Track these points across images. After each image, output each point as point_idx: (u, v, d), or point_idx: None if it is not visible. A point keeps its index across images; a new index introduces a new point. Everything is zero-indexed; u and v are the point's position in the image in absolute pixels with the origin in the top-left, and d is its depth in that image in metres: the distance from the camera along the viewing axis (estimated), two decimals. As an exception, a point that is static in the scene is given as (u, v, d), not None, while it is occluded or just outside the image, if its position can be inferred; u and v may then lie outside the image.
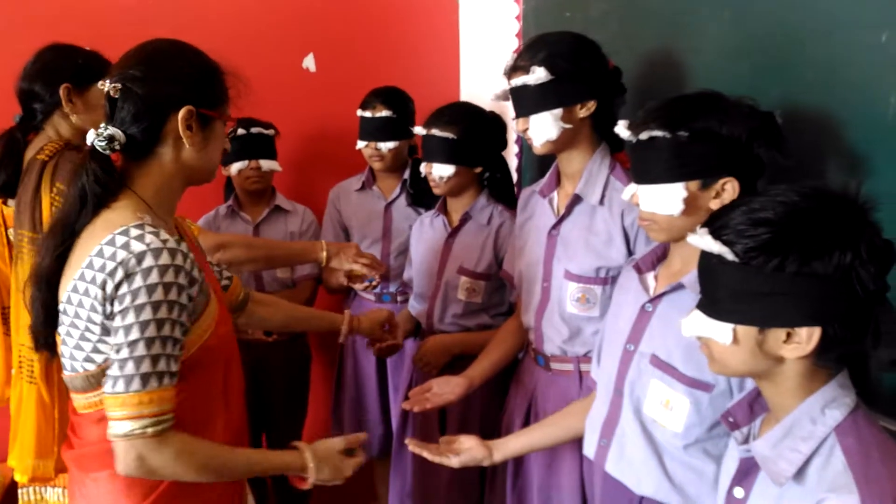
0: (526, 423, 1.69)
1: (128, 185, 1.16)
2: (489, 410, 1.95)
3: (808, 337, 0.89)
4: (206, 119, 1.20)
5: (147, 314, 1.06)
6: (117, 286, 1.06)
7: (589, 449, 1.38)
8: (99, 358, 1.11)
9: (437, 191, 2.00)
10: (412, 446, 1.47)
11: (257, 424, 2.49)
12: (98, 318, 1.08)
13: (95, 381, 1.13)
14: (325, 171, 2.65)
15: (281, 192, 2.49)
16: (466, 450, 1.47)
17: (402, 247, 2.32)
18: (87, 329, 1.09)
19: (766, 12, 1.33)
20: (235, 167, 2.32)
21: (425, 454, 1.46)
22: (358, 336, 2.33)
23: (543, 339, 1.65)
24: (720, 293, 0.94)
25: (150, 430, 1.07)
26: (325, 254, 1.92)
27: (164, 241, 1.08)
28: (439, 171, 1.94)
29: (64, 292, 1.12)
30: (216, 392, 1.24)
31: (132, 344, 1.06)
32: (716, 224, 0.95)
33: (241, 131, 2.30)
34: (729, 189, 1.17)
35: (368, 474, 2.64)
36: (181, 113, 1.16)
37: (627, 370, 1.30)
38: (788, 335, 0.90)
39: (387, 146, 2.26)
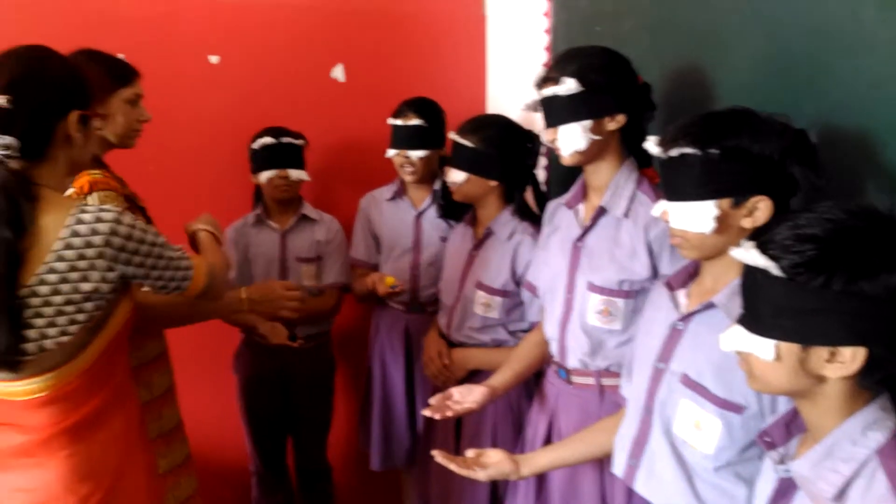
0: (548, 436, 1.69)
1: (38, 180, 1.30)
2: (504, 421, 1.96)
3: (852, 357, 0.89)
4: (85, 119, 1.37)
5: (160, 241, 1.39)
6: (121, 249, 1.30)
7: (618, 467, 1.37)
8: (82, 317, 1.29)
9: (454, 197, 2.04)
10: (440, 458, 1.47)
11: (282, 429, 2.52)
12: (88, 286, 1.28)
13: (73, 349, 1.30)
14: (352, 181, 2.67)
15: (309, 201, 2.51)
16: (494, 464, 1.47)
17: (431, 258, 2.33)
18: (68, 302, 1.26)
19: (800, 28, 1.31)
20: (264, 176, 2.34)
21: (452, 467, 1.46)
22: (387, 345, 2.36)
23: (566, 351, 1.65)
24: (763, 308, 0.94)
25: (210, 269, 1.53)
26: (245, 300, 1.86)
27: (116, 208, 1.35)
28: (452, 176, 1.98)
29: (32, 277, 1.24)
30: None
31: (168, 259, 1.40)
32: (761, 239, 0.95)
33: (270, 141, 2.33)
34: (761, 207, 1.16)
35: (395, 484, 2.65)
36: (71, 117, 1.33)
37: (657, 389, 1.29)
38: (832, 354, 0.90)
39: (417, 154, 2.27)
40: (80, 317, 1.29)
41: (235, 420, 2.54)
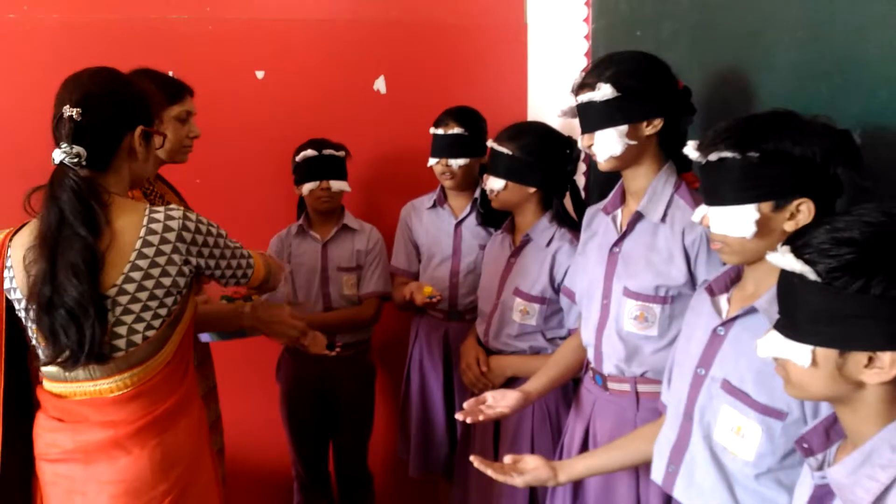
0: (584, 443, 1.68)
1: (106, 188, 1.39)
2: (542, 428, 1.95)
3: (890, 362, 0.87)
4: (148, 136, 1.48)
5: (223, 234, 1.50)
6: (193, 242, 1.42)
7: (657, 474, 1.35)
8: (157, 322, 1.40)
9: (492, 204, 2.05)
10: (477, 463, 1.47)
11: (324, 436, 2.55)
12: (167, 280, 1.38)
13: (158, 344, 1.41)
14: (394, 191, 2.70)
15: (351, 210, 2.55)
16: (531, 470, 1.47)
17: (470, 265, 2.34)
18: (152, 297, 1.38)
19: (843, 29, 1.29)
20: (307, 187, 2.39)
21: (490, 472, 1.46)
22: (426, 353, 2.37)
23: (602, 357, 1.64)
24: (800, 313, 0.92)
25: (268, 264, 1.68)
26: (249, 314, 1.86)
27: (179, 208, 1.44)
28: (491, 184, 1.99)
29: (118, 276, 1.35)
30: None
31: (234, 250, 1.53)
32: (797, 242, 0.93)
33: (312, 153, 2.37)
34: (804, 210, 1.14)
35: (434, 491, 2.65)
36: (136, 132, 1.44)
37: (698, 395, 1.27)
38: (870, 359, 0.88)
39: (457, 163, 2.29)
40: (163, 311, 1.40)
41: (278, 427, 2.58)
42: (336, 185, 2.40)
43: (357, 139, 2.54)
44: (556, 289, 1.95)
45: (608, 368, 1.63)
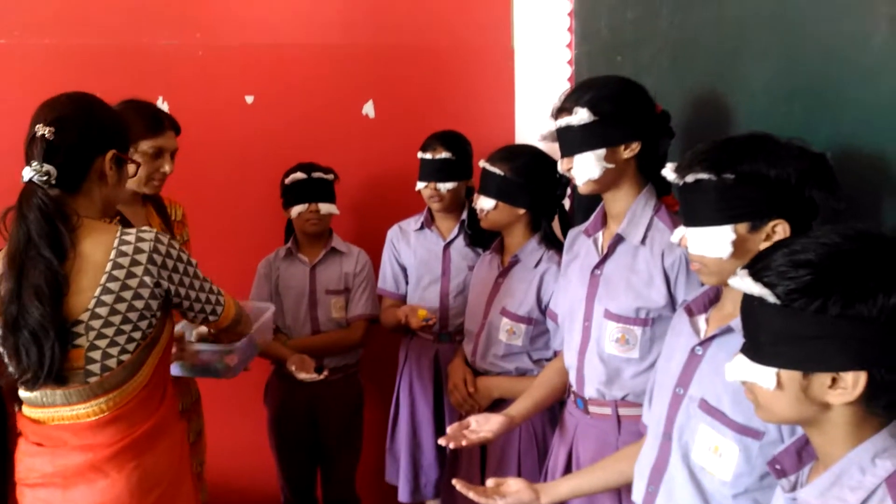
0: (568, 467, 1.67)
1: (76, 211, 1.39)
2: (528, 451, 1.94)
3: (853, 382, 0.86)
4: (120, 161, 1.47)
5: (193, 263, 1.48)
6: (163, 265, 1.40)
7: (637, 495, 1.35)
8: (131, 346, 1.39)
9: (482, 224, 2.06)
10: (460, 486, 1.47)
11: (312, 460, 2.53)
12: (140, 303, 1.38)
13: (133, 368, 1.40)
14: (382, 214, 2.71)
15: (339, 234, 2.56)
16: (514, 493, 1.46)
17: (459, 287, 2.34)
18: (125, 321, 1.37)
19: (816, 53, 1.32)
20: (296, 210, 2.40)
21: (471, 495, 1.46)
22: (416, 375, 2.37)
23: (583, 380, 1.64)
24: (762, 336, 0.92)
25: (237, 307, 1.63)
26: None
27: (151, 230, 1.43)
28: (481, 203, 2.01)
29: (89, 300, 1.34)
30: None
31: (204, 282, 1.50)
32: (757, 266, 0.94)
33: (301, 176, 2.39)
34: (779, 231, 1.15)
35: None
36: (108, 155, 1.43)
37: (676, 414, 1.27)
38: (833, 380, 0.88)
39: (446, 187, 2.31)
40: (137, 335, 1.39)
41: (266, 451, 2.56)
42: (325, 207, 2.41)
43: (345, 163, 2.56)
44: (543, 310, 1.96)
45: (589, 392, 1.63)
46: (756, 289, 0.91)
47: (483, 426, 1.65)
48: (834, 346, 0.87)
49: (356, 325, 2.48)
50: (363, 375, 2.61)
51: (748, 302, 0.94)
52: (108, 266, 1.36)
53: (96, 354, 1.36)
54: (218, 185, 2.64)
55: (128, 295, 1.36)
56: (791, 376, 0.90)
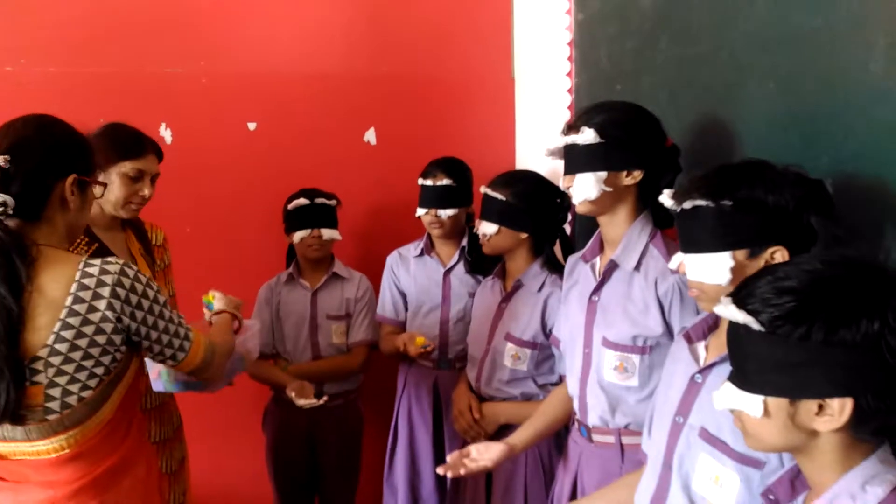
0: (573, 496, 1.65)
1: (35, 241, 1.31)
2: (534, 479, 1.92)
3: (840, 408, 0.86)
4: (83, 185, 1.40)
5: (161, 300, 1.39)
6: (126, 300, 1.31)
7: (638, 525, 1.34)
8: (93, 382, 1.30)
9: (483, 249, 2.06)
10: None
11: (310, 487, 2.51)
12: (102, 338, 1.29)
13: (95, 404, 1.32)
14: (383, 240, 2.72)
15: (342, 259, 2.57)
16: None
17: (460, 313, 2.34)
18: (86, 356, 1.28)
19: (814, 81, 1.32)
20: (298, 235, 2.41)
21: None
22: (415, 402, 2.35)
23: (587, 408, 1.63)
24: (748, 364, 0.92)
25: (209, 347, 1.52)
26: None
27: (120, 260, 1.34)
28: (483, 228, 2.01)
29: (48, 335, 1.26)
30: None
31: (169, 322, 1.40)
32: (741, 293, 0.94)
33: (304, 202, 2.40)
34: (778, 258, 1.15)
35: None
36: (68, 180, 1.35)
37: (676, 443, 1.26)
38: (820, 407, 0.87)
39: (447, 213, 2.31)
40: (99, 370, 1.31)
41: (264, 479, 2.54)
42: (327, 233, 2.42)
43: (347, 189, 2.57)
44: (547, 334, 1.95)
45: (592, 420, 1.62)
46: (740, 316, 0.91)
47: (483, 455, 1.64)
48: (819, 373, 0.86)
49: (357, 350, 2.47)
50: (362, 402, 2.59)
51: (733, 329, 0.94)
52: (69, 300, 1.27)
53: (56, 392, 1.28)
54: (220, 210, 2.65)
55: (89, 330, 1.28)
56: (778, 404, 0.90)
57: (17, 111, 2.43)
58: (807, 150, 1.33)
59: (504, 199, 1.98)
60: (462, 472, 1.60)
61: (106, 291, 1.30)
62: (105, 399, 1.34)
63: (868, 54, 1.20)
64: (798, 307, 0.87)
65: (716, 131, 1.60)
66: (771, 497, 1.02)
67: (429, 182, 2.34)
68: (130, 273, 1.34)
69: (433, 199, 2.32)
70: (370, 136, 2.76)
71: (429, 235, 2.43)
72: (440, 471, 1.60)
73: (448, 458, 1.63)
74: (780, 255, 1.15)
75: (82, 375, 1.29)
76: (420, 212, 2.36)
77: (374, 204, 2.79)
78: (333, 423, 2.44)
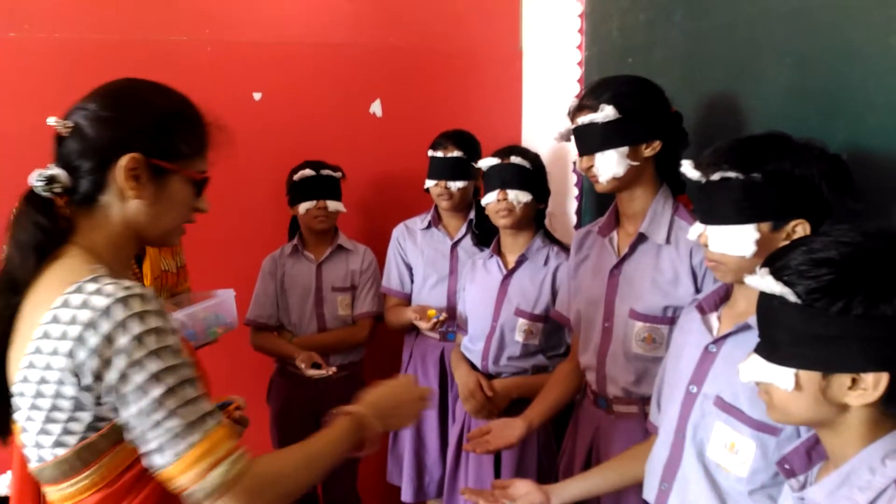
0: (587, 467, 1.66)
1: (74, 235, 1.03)
2: (545, 454, 1.94)
3: (874, 383, 0.86)
4: (159, 170, 1.05)
5: (153, 366, 0.92)
6: (96, 352, 0.91)
7: (649, 493, 1.35)
8: (71, 440, 0.95)
9: (503, 221, 1.99)
10: (467, 495, 1.47)
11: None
12: (70, 391, 0.93)
13: (70, 467, 0.96)
14: (388, 212, 2.71)
15: (346, 232, 2.56)
16: (523, 495, 1.45)
17: (467, 286, 2.35)
18: (54, 408, 0.94)
19: (831, 54, 1.32)
20: (303, 207, 2.40)
21: (481, 502, 1.45)
22: (421, 374, 2.36)
23: (606, 380, 1.63)
24: (781, 336, 0.92)
25: (229, 474, 0.95)
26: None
27: (128, 288, 0.94)
28: (518, 197, 1.95)
29: (17, 371, 0.96)
30: None
31: (156, 403, 0.92)
32: (776, 264, 0.93)
33: (310, 173, 2.39)
34: (800, 231, 1.15)
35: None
36: (123, 160, 1.01)
37: (690, 413, 1.27)
38: (854, 381, 0.87)
39: (456, 185, 2.31)
40: (76, 426, 0.95)
41: (269, 449, 2.55)
42: (332, 205, 2.41)
43: (352, 161, 2.56)
44: None
45: (614, 391, 1.63)
46: (777, 287, 0.90)
47: (504, 432, 1.66)
48: (856, 347, 0.86)
49: (362, 322, 2.48)
50: (365, 374, 2.60)
51: (766, 301, 0.94)
52: (38, 332, 0.94)
53: (28, 439, 0.97)
54: (223, 181, 2.63)
55: (53, 377, 0.93)
56: (810, 377, 0.90)
57: (22, 78, 2.43)
58: (824, 125, 1.33)
59: (530, 167, 1.99)
60: (490, 448, 1.64)
61: (74, 332, 0.91)
62: (87, 464, 0.97)
63: (888, 27, 1.20)
64: (837, 280, 0.87)
65: (730, 105, 1.60)
66: (786, 466, 1.02)
67: (439, 153, 2.33)
68: (119, 313, 0.91)
69: (443, 170, 2.32)
70: (376, 107, 2.74)
71: (436, 208, 2.43)
72: (466, 448, 1.64)
73: (469, 436, 1.66)
74: (801, 228, 1.15)
75: (54, 428, 0.95)
76: (429, 183, 2.35)
77: (377, 176, 2.78)
78: (337, 394, 2.43)
